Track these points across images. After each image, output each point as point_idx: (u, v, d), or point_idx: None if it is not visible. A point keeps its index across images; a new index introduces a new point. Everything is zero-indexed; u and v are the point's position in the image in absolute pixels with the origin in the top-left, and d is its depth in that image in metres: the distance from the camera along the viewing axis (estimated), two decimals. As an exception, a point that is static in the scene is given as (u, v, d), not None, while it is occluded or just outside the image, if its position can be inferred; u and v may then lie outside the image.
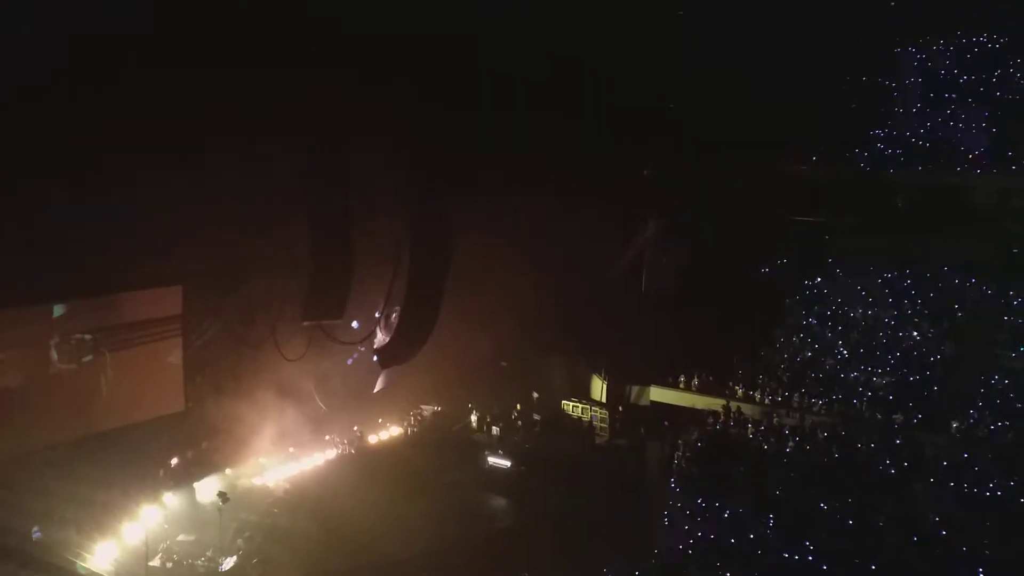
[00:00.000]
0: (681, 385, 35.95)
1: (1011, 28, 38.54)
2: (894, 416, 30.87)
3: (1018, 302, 35.31)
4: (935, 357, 34.00)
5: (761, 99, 37.41)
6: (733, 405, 33.41)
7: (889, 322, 36.34)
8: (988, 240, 36.03)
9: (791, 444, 30.10)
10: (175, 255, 26.97)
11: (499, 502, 30.19)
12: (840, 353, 35.59)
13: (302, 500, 28.73)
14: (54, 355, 24.84)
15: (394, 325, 31.16)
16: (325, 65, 24.88)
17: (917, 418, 30.78)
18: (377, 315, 33.26)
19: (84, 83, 20.84)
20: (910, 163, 39.07)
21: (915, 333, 35.40)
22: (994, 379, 32.07)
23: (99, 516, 24.28)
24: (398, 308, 31.31)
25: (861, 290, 38.43)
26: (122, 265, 25.23)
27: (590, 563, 23.03)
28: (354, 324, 33.35)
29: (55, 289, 24.34)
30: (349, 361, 35.21)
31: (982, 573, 22.20)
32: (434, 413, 36.93)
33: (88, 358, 25.53)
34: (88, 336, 25.57)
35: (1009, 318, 34.73)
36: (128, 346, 26.52)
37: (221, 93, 23.30)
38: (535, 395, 37.43)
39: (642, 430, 34.54)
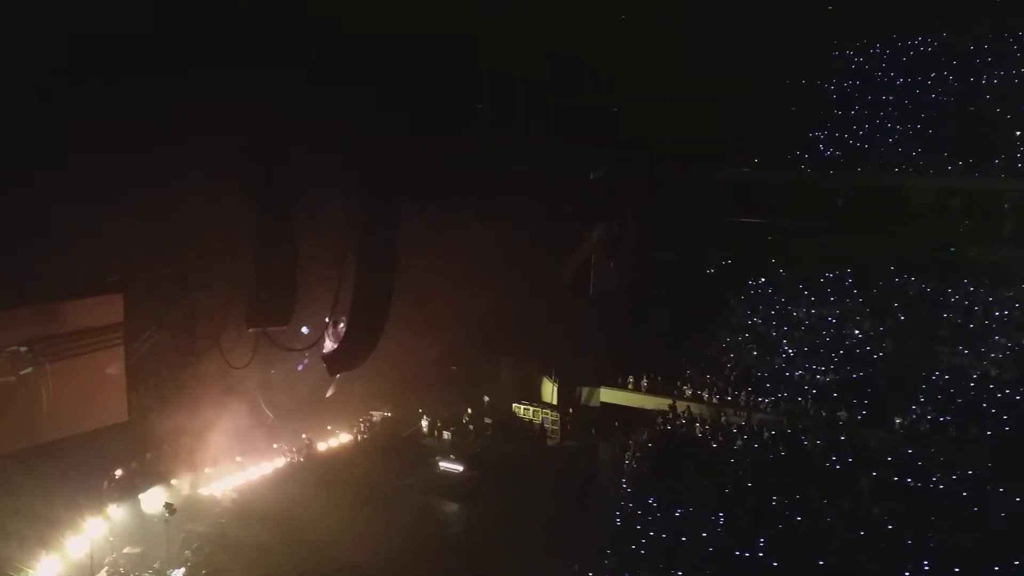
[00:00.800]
0: (631, 386, 36.14)
1: (944, 31, 39.60)
2: (839, 413, 31.35)
3: (956, 299, 36.20)
4: (878, 354, 34.74)
5: (703, 104, 37.92)
6: (682, 405, 33.70)
7: (832, 320, 37.04)
8: (926, 239, 36.85)
9: (739, 442, 30.49)
10: (116, 262, 26.46)
11: (451, 507, 30.04)
12: (785, 352, 36.17)
13: (251, 510, 28.32)
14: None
15: (341, 332, 30.85)
16: (270, 70, 24.59)
17: (861, 414, 31.31)
18: (325, 321, 32.94)
19: (25, 86, 20.32)
20: (849, 165, 39.86)
21: (857, 331, 36.14)
22: (935, 375, 32.82)
23: (42, 530, 23.65)
24: (345, 314, 31.03)
25: (804, 289, 39.14)
26: (61, 273, 24.61)
27: (543, 565, 23.02)
28: (304, 330, 32.99)
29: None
30: (300, 367, 34.82)
31: (927, 565, 22.62)
32: (384, 419, 36.64)
33: (28, 370, 24.79)
34: (26, 347, 24.84)
35: (948, 315, 35.58)
36: (69, 356, 25.79)
37: (164, 98, 22.88)
38: (486, 399, 37.38)
39: (593, 431, 34.70)
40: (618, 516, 26.87)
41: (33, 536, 23.38)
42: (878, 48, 41.62)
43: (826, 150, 40.70)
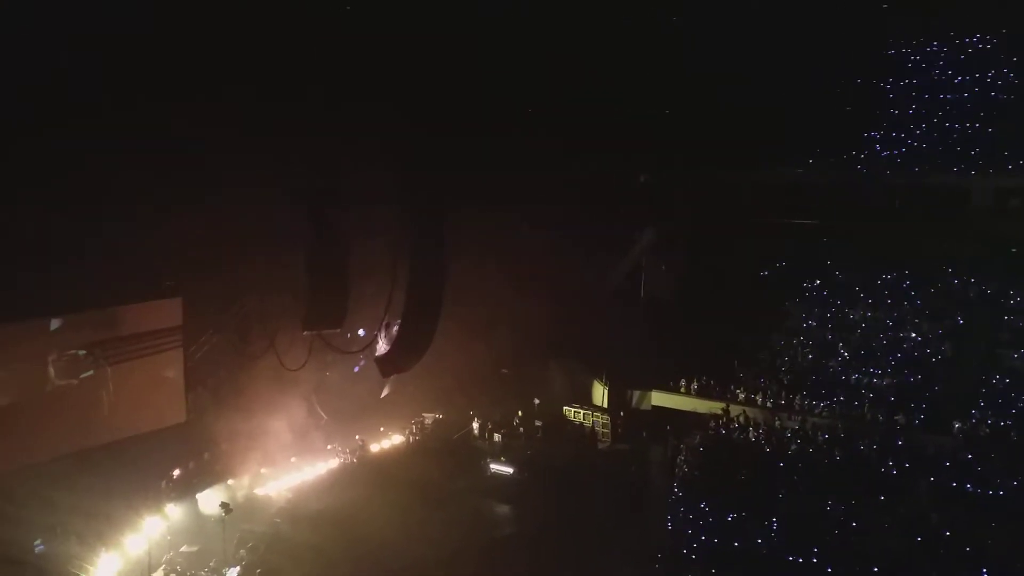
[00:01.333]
0: (683, 389, 35.95)
1: (1004, 27, 38.68)
2: (896, 417, 30.84)
3: (1017, 301, 35.37)
4: (936, 358, 34.05)
5: (756, 104, 37.52)
6: (735, 409, 33.42)
7: (889, 323, 36.42)
8: (986, 240, 36.06)
9: (793, 447, 30.16)
10: (175, 267, 27.02)
11: (502, 509, 30.17)
12: (841, 355, 35.65)
13: (305, 510, 28.74)
14: (52, 371, 24.74)
15: (394, 334, 31.12)
16: (323, 82, 24.95)
17: (919, 419, 30.75)
18: (378, 324, 33.29)
19: (85, 97, 20.85)
20: (907, 164, 39.13)
21: (915, 334, 35.46)
22: (995, 379, 32.08)
23: (102, 528, 24.24)
24: (398, 317, 31.31)
25: (860, 292, 38.53)
26: (122, 278, 25.19)
27: (594, 569, 23.01)
28: (360, 332, 33.37)
29: (55, 303, 24.28)
30: (355, 369, 35.19)
31: (986, 573, 22.18)
32: (435, 421, 36.92)
33: (89, 373, 25.43)
34: (86, 351, 25.46)
35: (1009, 317, 34.79)
36: (128, 359, 26.42)
37: (221, 108, 23.31)
38: (536, 401, 37.43)
39: (644, 434, 34.58)
40: (669, 520, 26.77)
41: (93, 534, 23.96)
42: (935, 45, 40.72)
43: (883, 150, 39.97)
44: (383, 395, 36.05)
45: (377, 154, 27.85)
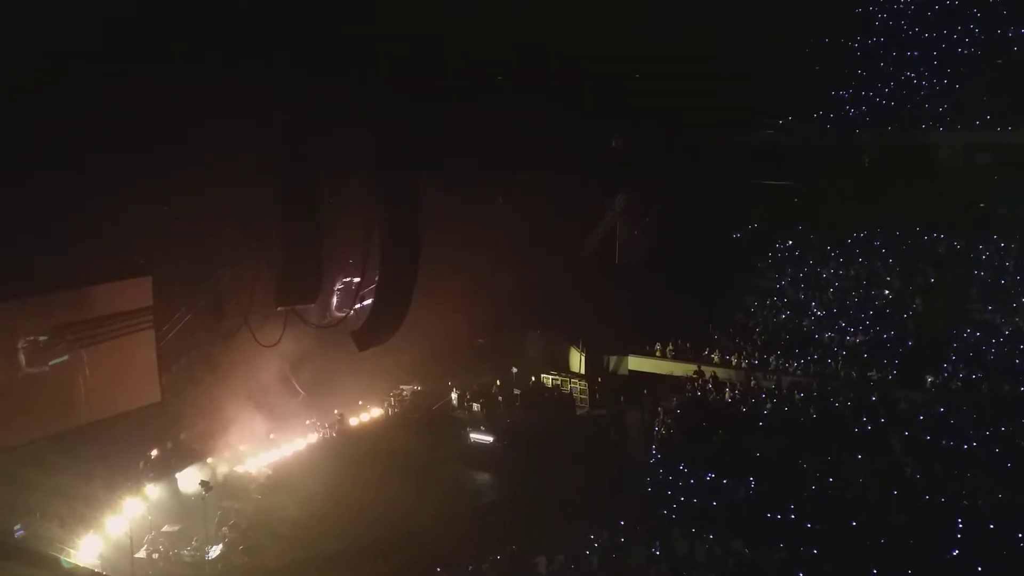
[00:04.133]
0: (658, 353, 36.19)
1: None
2: (869, 374, 31.22)
3: (986, 256, 35.77)
4: (907, 314, 34.44)
5: (726, 67, 37.47)
6: (710, 370, 33.65)
7: (861, 281, 36.73)
8: (955, 196, 36.38)
9: (769, 406, 30.43)
10: (143, 246, 26.67)
11: (483, 477, 30.26)
12: (814, 314, 35.98)
13: (286, 485, 28.70)
14: (21, 357, 24.40)
15: (369, 307, 31.02)
16: (292, 52, 24.61)
17: (892, 374, 31.15)
18: (352, 297, 33.21)
19: (48, 73, 20.43)
20: (875, 123, 39.31)
21: (887, 291, 35.84)
22: (966, 333, 32.54)
23: (82, 510, 24.07)
24: (372, 290, 31.19)
25: (832, 250, 38.84)
26: (89, 258, 24.83)
27: (576, 533, 23.13)
28: (335, 306, 33.29)
29: (21, 284, 23.87)
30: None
31: (960, 523, 22.54)
32: (414, 393, 36.88)
33: (63, 358, 25.11)
34: (57, 335, 25.14)
35: (978, 272, 35.20)
36: (100, 340, 26.07)
37: (187, 82, 22.95)
38: (514, 370, 37.48)
39: (622, 399, 34.74)
40: (649, 482, 26.99)
41: (74, 516, 23.80)
42: (902, 3, 40.82)
43: (852, 109, 40.14)
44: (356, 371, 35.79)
45: (350, 123, 27.61)
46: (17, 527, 22.59)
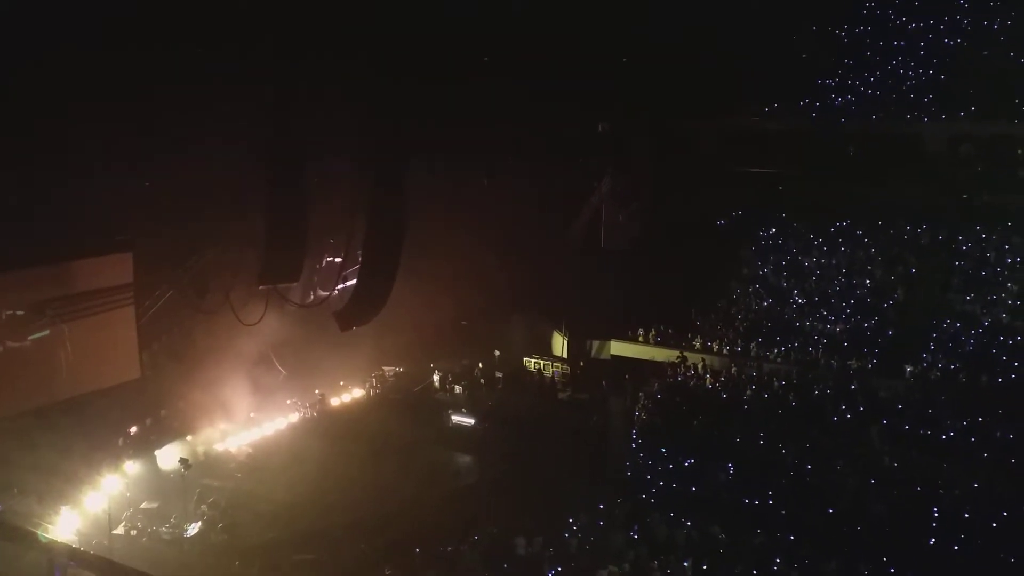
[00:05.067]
0: (640, 338, 36.26)
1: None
2: (849, 362, 31.34)
3: (968, 247, 35.96)
4: (888, 303, 34.57)
5: (711, 52, 37.40)
6: (692, 356, 33.75)
7: (843, 269, 36.88)
8: (938, 186, 36.50)
9: (749, 393, 30.54)
10: (127, 221, 26.45)
11: (464, 459, 30.34)
12: (795, 302, 36.09)
13: (266, 464, 28.75)
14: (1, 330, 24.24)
15: (352, 288, 30.93)
16: (277, 34, 24.39)
17: (872, 363, 31.30)
18: (335, 278, 33.09)
19: (31, 47, 20.18)
20: (860, 112, 39.35)
21: (868, 280, 35.99)
22: (946, 323, 32.69)
23: (60, 486, 24.00)
24: (356, 271, 31.11)
25: (814, 239, 38.94)
26: (70, 233, 24.64)
27: (555, 515, 23.25)
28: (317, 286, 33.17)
29: (2, 259, 23.64)
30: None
31: (937, 512, 22.80)
32: (396, 374, 36.90)
33: (43, 333, 24.95)
34: (39, 307, 24.94)
35: (959, 262, 35.38)
36: (81, 315, 25.91)
37: (172, 61, 22.73)
38: (496, 353, 37.51)
39: (603, 384, 34.80)
40: (629, 467, 27.11)
41: (52, 492, 23.72)
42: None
43: (836, 97, 40.16)
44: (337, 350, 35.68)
45: (335, 104, 27.43)
46: (-6, 502, 22.52)
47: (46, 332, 24.95)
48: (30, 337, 24.59)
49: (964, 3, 38.88)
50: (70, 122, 21.41)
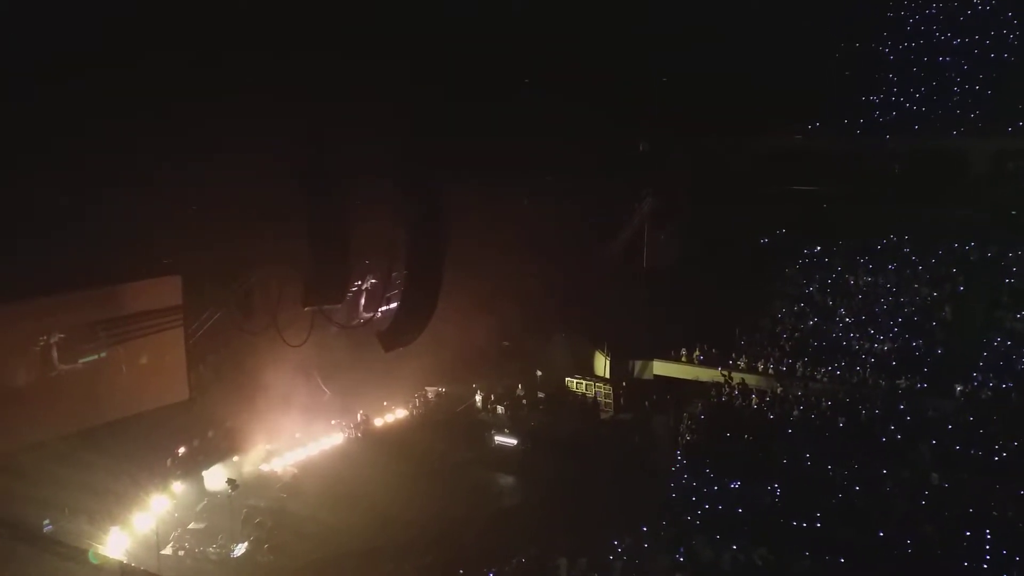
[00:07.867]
0: (684, 358, 36.04)
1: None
2: (897, 382, 30.92)
3: (1018, 264, 35.35)
4: (937, 321, 34.07)
5: (755, 72, 37.30)
6: (736, 376, 33.47)
7: (890, 288, 36.42)
8: (986, 202, 36.01)
9: (795, 413, 30.23)
10: (173, 245, 26.87)
11: (507, 480, 30.29)
12: (842, 321, 35.68)
13: (311, 485, 28.86)
14: (54, 352, 24.68)
15: (395, 309, 31.17)
16: (321, 55, 24.76)
17: (921, 383, 30.81)
18: (380, 299, 33.38)
19: (79, 74, 20.64)
20: (906, 129, 39.01)
21: (916, 298, 35.49)
22: (996, 342, 32.15)
23: (110, 506, 24.32)
24: (398, 291, 31.34)
25: (860, 257, 38.52)
26: (119, 256, 25.08)
27: (598, 537, 23.10)
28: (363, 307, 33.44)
29: (52, 282, 24.13)
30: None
31: (989, 535, 22.30)
32: (438, 394, 36.98)
33: (92, 357, 25.41)
34: (91, 329, 25.41)
35: (1009, 280, 34.79)
36: (131, 337, 26.40)
37: (217, 84, 23.14)
38: (538, 373, 37.49)
39: (647, 404, 34.63)
40: (672, 488, 26.89)
41: (102, 512, 24.06)
42: (934, 8, 40.51)
43: (882, 115, 39.87)
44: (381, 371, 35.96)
45: (377, 125, 27.71)
46: (46, 522, 22.88)
47: (97, 356, 25.39)
48: (81, 360, 25.03)
49: (1012, 18, 38.40)
50: (121, 150, 21.86)
